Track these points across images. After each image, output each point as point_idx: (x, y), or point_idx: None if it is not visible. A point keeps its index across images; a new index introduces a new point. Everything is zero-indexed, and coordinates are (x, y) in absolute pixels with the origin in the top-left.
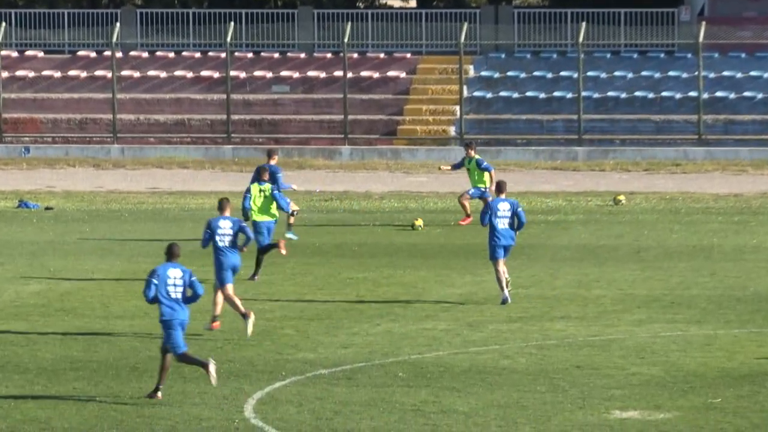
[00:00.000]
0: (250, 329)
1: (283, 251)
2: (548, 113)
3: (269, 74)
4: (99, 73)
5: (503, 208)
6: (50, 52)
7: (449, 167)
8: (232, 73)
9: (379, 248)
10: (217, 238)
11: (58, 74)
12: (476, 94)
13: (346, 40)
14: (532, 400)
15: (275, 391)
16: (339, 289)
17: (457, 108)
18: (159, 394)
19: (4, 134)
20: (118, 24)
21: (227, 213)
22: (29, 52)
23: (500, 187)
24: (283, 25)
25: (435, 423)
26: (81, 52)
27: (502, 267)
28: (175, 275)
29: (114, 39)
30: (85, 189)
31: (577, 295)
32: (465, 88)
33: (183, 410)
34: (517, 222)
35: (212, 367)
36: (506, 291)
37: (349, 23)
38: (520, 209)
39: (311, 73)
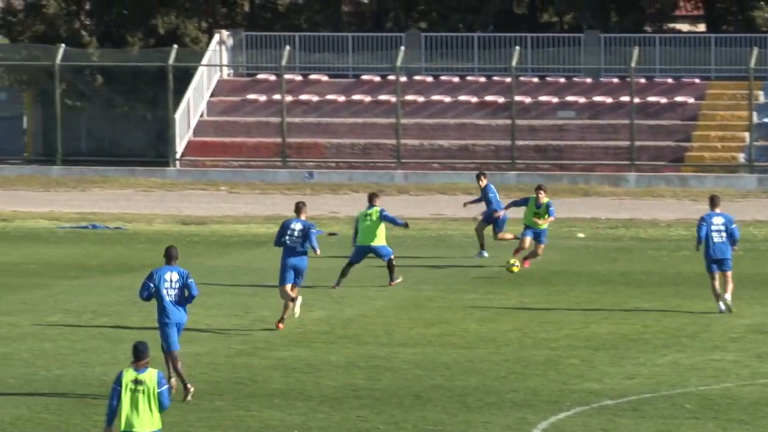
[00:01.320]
0: (297, 312)
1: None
2: None
3: (555, 99)
4: (383, 97)
5: (717, 222)
6: (334, 76)
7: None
8: (517, 98)
9: (666, 277)
10: (287, 238)
11: (341, 98)
12: (766, 120)
13: (633, 64)
14: None
15: (559, 422)
16: (625, 318)
17: (747, 134)
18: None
19: (287, 159)
20: (402, 48)
21: (303, 216)
22: (313, 76)
23: (714, 202)
24: (569, 49)
25: None
26: (365, 76)
27: (719, 281)
28: (171, 278)
29: (398, 63)
30: None
31: None
32: (755, 114)
33: None
34: (731, 238)
35: (190, 393)
36: (721, 303)
37: (637, 48)
38: (733, 225)
39: (597, 98)
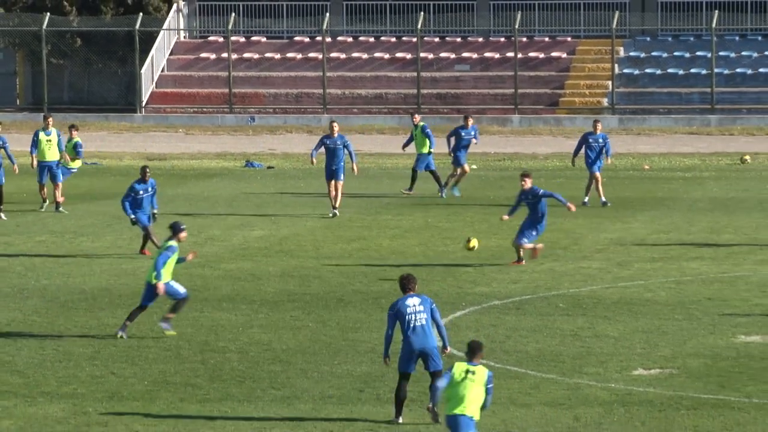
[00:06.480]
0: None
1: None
2: (686, 87)
3: (453, 55)
4: (312, 54)
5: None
6: (271, 38)
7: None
8: (422, 54)
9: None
10: None
11: (278, 56)
12: (626, 71)
13: (516, 26)
14: (671, 326)
15: (456, 319)
16: (510, 234)
17: (610, 83)
18: None
19: (233, 106)
20: (327, 14)
21: None
22: (254, 38)
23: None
24: (464, 14)
25: (589, 345)
26: (297, 38)
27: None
28: None
29: (324, 26)
30: (300, 151)
31: (709, 239)
32: (616, 66)
33: (381, 334)
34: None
35: None
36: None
37: (520, 12)
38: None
39: (488, 54)
